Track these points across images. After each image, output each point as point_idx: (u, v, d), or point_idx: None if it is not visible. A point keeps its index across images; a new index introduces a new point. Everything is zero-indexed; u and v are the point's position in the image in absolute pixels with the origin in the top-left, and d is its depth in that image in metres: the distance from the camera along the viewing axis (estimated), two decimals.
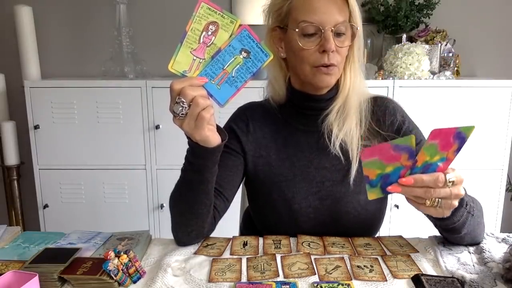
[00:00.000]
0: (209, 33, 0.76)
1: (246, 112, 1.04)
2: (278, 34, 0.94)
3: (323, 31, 0.87)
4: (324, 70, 0.90)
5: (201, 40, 0.76)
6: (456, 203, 0.72)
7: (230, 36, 0.76)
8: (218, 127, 0.83)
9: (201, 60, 0.77)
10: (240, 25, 0.76)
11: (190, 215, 0.87)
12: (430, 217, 0.83)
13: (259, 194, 1.01)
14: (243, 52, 0.77)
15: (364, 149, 0.69)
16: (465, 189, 0.81)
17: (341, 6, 0.87)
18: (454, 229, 0.82)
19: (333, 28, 0.86)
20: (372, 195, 0.73)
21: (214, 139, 0.80)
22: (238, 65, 0.77)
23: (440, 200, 0.70)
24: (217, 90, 0.78)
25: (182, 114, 0.75)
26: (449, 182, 0.69)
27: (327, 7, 0.86)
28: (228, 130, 1.00)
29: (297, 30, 0.88)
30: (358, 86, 0.95)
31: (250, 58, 0.77)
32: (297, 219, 0.96)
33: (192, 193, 0.86)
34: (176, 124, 0.78)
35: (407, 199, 0.74)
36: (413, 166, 0.69)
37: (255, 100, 1.08)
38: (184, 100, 0.74)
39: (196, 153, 0.82)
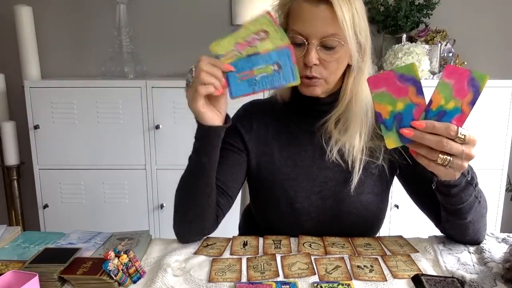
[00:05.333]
0: (258, 37, 0.80)
1: (250, 110, 1.04)
2: None
3: (306, 43, 0.86)
4: (307, 81, 0.89)
5: (248, 39, 0.80)
6: (466, 164, 0.72)
7: (273, 48, 0.80)
8: (227, 116, 0.87)
9: (238, 53, 0.81)
10: (287, 46, 0.80)
11: (189, 204, 0.89)
12: (439, 191, 0.82)
13: (261, 192, 1.02)
14: (275, 65, 0.81)
15: (370, 77, 0.69)
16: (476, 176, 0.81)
17: (332, 18, 0.84)
18: (460, 212, 0.82)
19: (318, 41, 0.85)
20: (390, 141, 0.71)
21: (208, 117, 0.83)
22: (266, 73, 0.81)
23: (451, 159, 0.69)
24: (236, 82, 0.82)
25: (189, 82, 0.80)
26: (461, 135, 0.67)
27: (315, 19, 0.84)
28: (231, 128, 1.01)
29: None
30: (362, 97, 0.92)
31: (279, 73, 0.81)
32: (299, 217, 0.97)
33: (191, 178, 0.89)
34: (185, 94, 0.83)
35: (418, 155, 0.72)
36: (428, 109, 0.69)
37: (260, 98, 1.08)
38: (194, 70, 0.78)
39: (197, 133, 0.86)
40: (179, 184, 0.92)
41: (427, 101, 0.69)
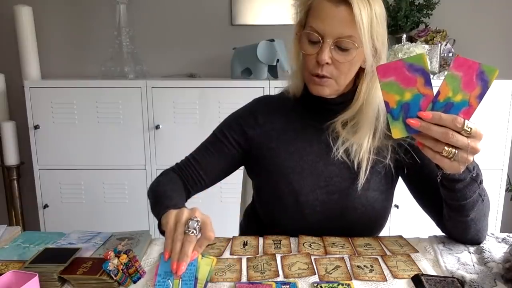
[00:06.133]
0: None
1: (256, 105, 1.05)
2: (301, 31, 0.94)
3: (321, 41, 0.86)
4: (317, 80, 0.90)
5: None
6: (471, 158, 0.71)
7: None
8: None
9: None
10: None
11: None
12: (443, 186, 0.82)
13: (266, 185, 1.02)
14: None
15: (379, 66, 0.69)
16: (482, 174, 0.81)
17: (350, 20, 0.84)
18: (463, 209, 0.82)
19: (333, 41, 0.86)
20: (396, 131, 0.71)
21: None
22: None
23: (456, 151, 0.69)
24: (164, 262, 0.71)
25: (195, 230, 0.71)
26: (467, 128, 0.67)
27: (333, 19, 0.85)
28: (234, 123, 1.03)
29: (304, 33, 0.89)
30: (375, 102, 0.92)
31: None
32: (304, 211, 0.97)
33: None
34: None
35: (424, 147, 0.72)
36: (435, 100, 0.68)
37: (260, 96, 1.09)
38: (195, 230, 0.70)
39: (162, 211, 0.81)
40: (154, 182, 0.98)
41: (435, 92, 0.68)
